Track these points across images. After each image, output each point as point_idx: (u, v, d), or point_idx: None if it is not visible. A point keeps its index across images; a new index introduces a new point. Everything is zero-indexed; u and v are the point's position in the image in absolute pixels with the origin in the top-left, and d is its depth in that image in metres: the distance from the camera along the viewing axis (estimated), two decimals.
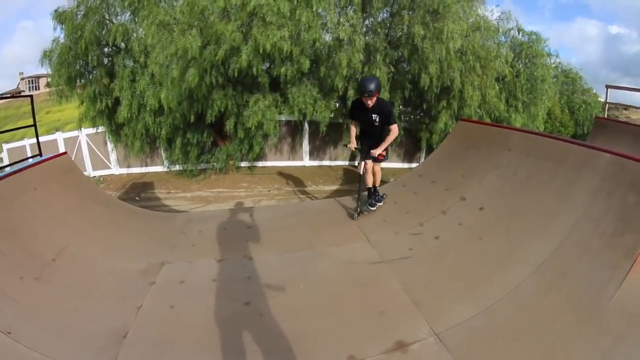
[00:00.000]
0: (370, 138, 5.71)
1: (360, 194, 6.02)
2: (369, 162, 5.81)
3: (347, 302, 3.89)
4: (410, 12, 11.74)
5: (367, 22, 12.68)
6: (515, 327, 3.22)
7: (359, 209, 5.87)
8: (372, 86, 5.26)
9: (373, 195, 6.03)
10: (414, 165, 14.94)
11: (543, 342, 2.99)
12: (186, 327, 3.75)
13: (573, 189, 4.15)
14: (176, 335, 3.66)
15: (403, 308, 3.68)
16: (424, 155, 14.91)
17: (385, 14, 12.83)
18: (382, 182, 11.14)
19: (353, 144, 5.77)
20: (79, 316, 3.94)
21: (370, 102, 5.36)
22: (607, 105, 11.30)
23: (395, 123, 5.57)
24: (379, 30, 12.39)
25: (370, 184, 5.99)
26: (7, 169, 5.87)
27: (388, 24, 12.72)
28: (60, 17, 12.63)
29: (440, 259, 4.35)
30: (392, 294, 3.91)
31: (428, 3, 11.55)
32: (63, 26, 12.68)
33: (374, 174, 5.96)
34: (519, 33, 13.80)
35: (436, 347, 3.22)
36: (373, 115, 5.50)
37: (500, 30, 13.42)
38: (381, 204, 5.99)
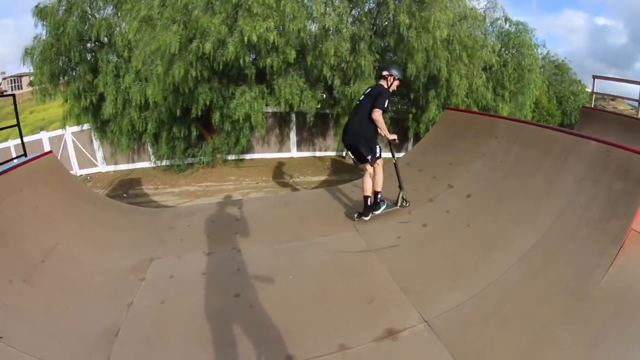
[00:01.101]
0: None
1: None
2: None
3: (336, 291, 3.91)
4: (397, 1, 11.68)
5: (353, 12, 12.64)
6: (504, 312, 3.25)
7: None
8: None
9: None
10: (401, 154, 14.95)
11: (532, 326, 3.02)
12: (177, 322, 3.76)
13: (560, 176, 4.21)
14: (168, 330, 3.67)
15: (392, 296, 3.71)
16: (411, 145, 14.92)
17: (371, 4, 12.82)
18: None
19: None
20: (70, 317, 3.93)
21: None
22: (594, 95, 11.40)
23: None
24: (364, 19, 12.35)
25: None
26: None
27: (374, 14, 12.70)
28: (41, 13, 12.44)
29: (429, 246, 4.39)
30: (381, 282, 3.94)
31: None
32: (44, 22, 12.50)
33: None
34: (506, 23, 13.74)
35: (426, 334, 3.25)
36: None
37: (487, 20, 13.39)
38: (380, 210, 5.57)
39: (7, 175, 5.43)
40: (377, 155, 5.46)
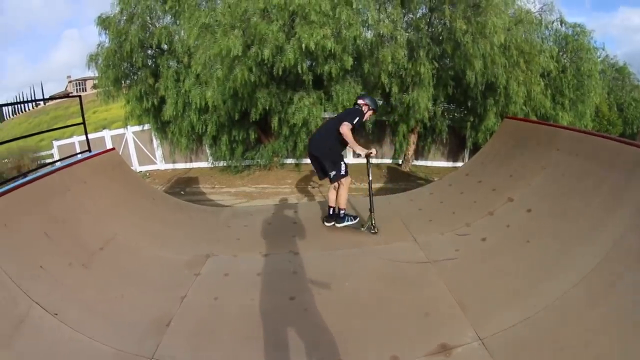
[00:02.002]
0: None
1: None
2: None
3: (392, 302, 3.83)
4: (451, 7, 11.45)
5: (406, 18, 12.48)
6: (561, 336, 3.08)
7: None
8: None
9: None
10: (458, 164, 14.70)
11: (588, 354, 2.86)
12: (229, 319, 3.80)
13: (623, 194, 3.94)
14: (219, 326, 3.70)
15: (448, 310, 3.60)
16: (467, 153, 14.63)
17: (424, 9, 12.59)
18: (428, 181, 10.89)
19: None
20: (123, 303, 4.05)
21: None
22: None
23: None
24: (420, 25, 12.14)
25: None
26: (58, 164, 6.11)
27: (428, 19, 12.49)
28: (104, 22, 13.20)
29: (487, 261, 4.22)
30: (438, 296, 3.81)
31: None
32: (107, 31, 13.20)
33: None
34: (561, 25, 13.23)
35: (480, 352, 3.13)
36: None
37: (543, 23, 12.89)
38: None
39: (72, 168, 5.70)
40: (342, 173, 5.40)
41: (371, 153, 5.43)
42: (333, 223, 5.63)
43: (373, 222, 5.43)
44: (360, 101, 5.60)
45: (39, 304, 3.67)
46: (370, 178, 5.62)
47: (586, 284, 3.36)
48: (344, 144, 5.30)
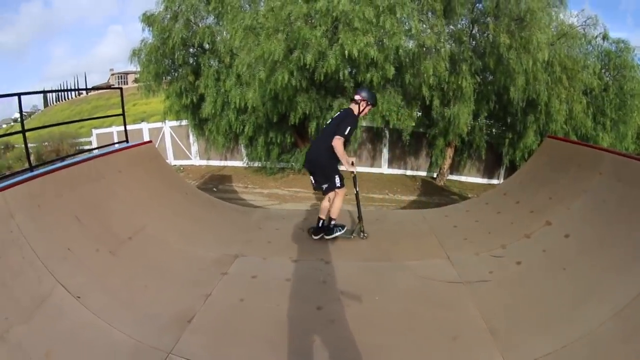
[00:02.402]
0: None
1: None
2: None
3: (421, 321, 3.73)
4: (494, 20, 11.30)
5: (448, 29, 12.28)
6: None
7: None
8: None
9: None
10: (493, 181, 14.51)
11: None
12: (253, 322, 3.77)
13: None
14: (242, 328, 3.68)
15: (478, 335, 3.47)
16: (503, 171, 14.38)
17: (466, 21, 12.44)
18: (462, 197, 10.66)
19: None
20: (147, 294, 4.11)
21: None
22: None
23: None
24: (463, 38, 12.00)
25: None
26: (95, 152, 6.27)
27: (469, 32, 12.34)
28: (148, 19, 13.52)
29: (521, 286, 4.08)
30: (469, 319, 3.69)
31: (512, 10, 11.02)
32: (151, 28, 13.50)
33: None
34: (604, 40, 12.66)
35: None
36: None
37: (586, 38, 12.41)
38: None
39: (109, 157, 5.86)
40: (337, 185, 5.36)
41: (353, 173, 5.44)
42: (321, 235, 5.53)
43: (362, 228, 5.56)
44: (357, 96, 5.43)
45: (62, 285, 3.77)
46: (357, 190, 5.70)
47: (623, 317, 3.22)
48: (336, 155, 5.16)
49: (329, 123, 5.48)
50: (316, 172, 5.41)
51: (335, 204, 5.44)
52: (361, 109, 5.40)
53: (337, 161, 5.22)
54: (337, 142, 5.00)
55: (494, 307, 3.81)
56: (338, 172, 5.38)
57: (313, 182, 5.51)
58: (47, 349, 3.20)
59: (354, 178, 5.54)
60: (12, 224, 3.92)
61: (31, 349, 3.17)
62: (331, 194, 5.47)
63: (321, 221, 5.54)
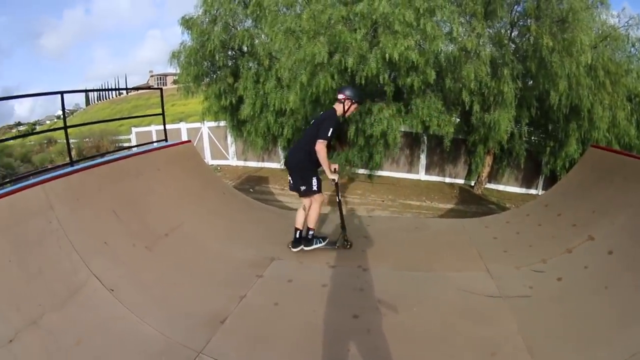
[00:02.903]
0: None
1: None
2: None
3: (459, 335, 3.63)
4: (536, 22, 10.91)
5: (488, 32, 11.86)
6: None
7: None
8: None
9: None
10: (531, 191, 14.08)
11: None
12: (287, 327, 3.76)
13: None
14: (276, 333, 3.69)
15: (515, 352, 3.35)
16: (542, 181, 13.90)
17: (504, 24, 12.11)
18: (500, 207, 10.36)
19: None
20: (180, 292, 4.20)
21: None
22: None
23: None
24: (504, 41, 11.71)
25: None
26: (134, 149, 6.44)
27: (509, 34, 12.03)
28: (187, 23, 13.81)
29: (561, 303, 3.94)
30: (507, 335, 3.59)
31: (554, 10, 10.65)
32: (190, 31, 13.77)
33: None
34: None
35: None
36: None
37: (630, 40, 11.42)
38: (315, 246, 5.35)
39: (148, 154, 6.05)
40: (313, 188, 5.13)
41: (334, 181, 5.19)
42: (301, 247, 5.35)
43: (346, 237, 5.43)
44: (340, 95, 5.22)
45: (97, 277, 3.91)
46: (340, 198, 5.50)
47: None
48: (317, 158, 4.92)
49: (312, 124, 5.27)
50: (294, 174, 5.23)
51: (312, 213, 5.23)
52: (346, 108, 5.19)
53: (318, 165, 5.04)
54: (320, 147, 4.80)
55: (533, 324, 3.69)
56: (317, 176, 5.16)
57: (290, 182, 5.31)
58: (78, 338, 3.31)
59: (337, 185, 5.31)
60: (52, 215, 4.08)
61: (62, 336, 3.28)
62: (307, 202, 5.28)
63: (298, 232, 5.34)
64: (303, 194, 5.23)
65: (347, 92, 5.19)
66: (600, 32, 11.25)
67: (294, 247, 5.35)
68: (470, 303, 4.14)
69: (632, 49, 11.71)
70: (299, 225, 5.30)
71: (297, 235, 5.33)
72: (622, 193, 5.05)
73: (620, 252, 4.29)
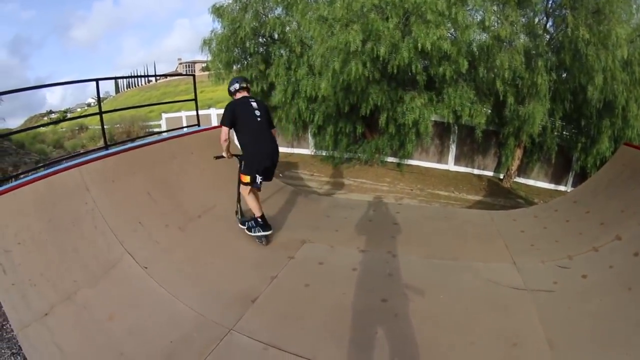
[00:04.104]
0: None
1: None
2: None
3: (483, 324, 3.74)
4: (574, 12, 10.59)
5: (522, 21, 11.55)
6: None
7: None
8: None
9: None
10: (560, 187, 13.78)
11: None
12: (317, 308, 3.93)
13: None
14: (306, 313, 3.84)
15: (536, 345, 3.43)
16: (572, 177, 13.60)
17: (542, 14, 11.81)
18: (528, 201, 10.23)
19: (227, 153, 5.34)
20: (213, 270, 4.36)
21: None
22: None
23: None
24: (538, 31, 11.44)
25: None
26: (165, 134, 6.63)
27: (544, 25, 11.77)
28: (217, 11, 13.91)
29: (584, 301, 3.96)
30: (529, 328, 3.66)
31: (590, 1, 10.36)
32: (220, 19, 13.90)
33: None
34: None
35: None
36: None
37: None
38: (249, 233, 5.28)
39: (182, 138, 6.26)
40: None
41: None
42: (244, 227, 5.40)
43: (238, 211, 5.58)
44: (246, 84, 5.47)
45: (131, 255, 4.11)
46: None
47: None
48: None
49: (257, 113, 5.18)
50: (274, 165, 5.38)
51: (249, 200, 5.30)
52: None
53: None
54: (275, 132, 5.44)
55: (555, 319, 3.75)
56: (245, 160, 5.27)
57: (261, 178, 5.18)
58: (111, 312, 3.50)
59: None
60: (88, 197, 4.29)
61: (96, 310, 3.48)
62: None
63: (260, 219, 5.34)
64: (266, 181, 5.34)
65: (230, 86, 5.48)
66: (637, 25, 10.88)
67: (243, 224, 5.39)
68: (495, 293, 4.22)
69: None
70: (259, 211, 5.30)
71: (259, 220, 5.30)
72: None
73: None
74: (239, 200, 5.55)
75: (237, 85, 5.32)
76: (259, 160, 5.11)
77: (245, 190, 5.21)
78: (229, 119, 5.03)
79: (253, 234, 5.23)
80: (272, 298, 4.05)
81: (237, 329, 3.55)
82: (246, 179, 5.09)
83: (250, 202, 5.23)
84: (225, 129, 5.04)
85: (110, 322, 3.48)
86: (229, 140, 5.15)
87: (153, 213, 4.93)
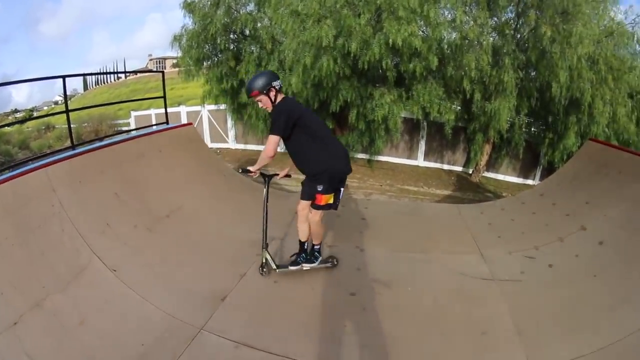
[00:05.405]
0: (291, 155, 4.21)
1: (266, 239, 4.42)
2: (302, 203, 4.23)
3: (451, 314, 3.78)
4: (538, 12, 11.05)
5: (491, 21, 12.00)
6: None
7: (266, 262, 4.38)
8: (248, 85, 3.98)
9: (301, 253, 4.45)
10: (529, 181, 14.23)
11: None
12: (286, 304, 3.89)
13: None
14: (275, 309, 3.81)
15: (505, 333, 3.50)
16: (540, 172, 14.05)
17: (510, 14, 12.18)
18: (497, 195, 10.36)
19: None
20: (182, 270, 4.25)
21: (262, 105, 4.04)
22: None
23: (271, 133, 3.88)
24: (506, 31, 11.74)
25: (301, 236, 4.41)
26: (134, 132, 6.47)
27: (514, 25, 12.07)
28: (189, 6, 13.84)
29: (551, 289, 4.04)
30: (497, 316, 3.73)
31: (557, 2, 10.73)
32: (192, 15, 13.78)
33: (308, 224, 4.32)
34: None
35: None
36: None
37: (635, 37, 11.47)
38: (313, 265, 4.40)
39: (150, 137, 6.05)
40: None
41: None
42: (300, 267, 4.41)
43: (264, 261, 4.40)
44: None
45: (100, 258, 3.95)
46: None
47: None
48: None
49: (318, 119, 4.30)
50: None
51: (315, 225, 4.35)
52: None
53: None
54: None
55: (523, 308, 3.82)
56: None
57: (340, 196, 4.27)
58: (81, 318, 3.36)
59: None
60: (54, 198, 4.10)
61: (66, 316, 3.33)
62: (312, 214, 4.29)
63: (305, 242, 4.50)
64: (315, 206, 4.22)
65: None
66: (606, 27, 11.28)
67: (293, 264, 4.41)
68: (463, 285, 4.25)
69: (638, 47, 11.76)
70: (304, 235, 4.43)
71: (304, 246, 4.49)
72: (617, 186, 5.14)
73: (610, 243, 4.41)
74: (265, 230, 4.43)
75: (279, 83, 4.02)
76: (339, 171, 4.12)
77: (319, 215, 4.22)
78: (288, 127, 3.89)
79: (317, 265, 4.42)
80: (242, 296, 4.00)
81: (207, 329, 3.50)
82: (329, 199, 4.10)
83: (321, 229, 4.37)
84: (277, 140, 3.87)
85: (81, 328, 3.34)
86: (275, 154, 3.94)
87: (121, 214, 4.77)
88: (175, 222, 5.11)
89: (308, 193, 4.08)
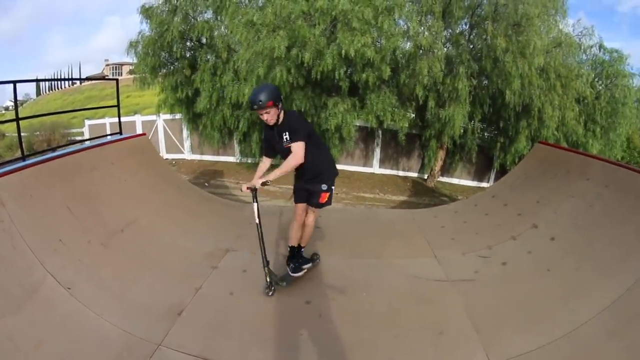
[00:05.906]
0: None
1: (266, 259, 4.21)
2: (300, 207, 4.33)
3: (407, 317, 3.83)
4: (494, 24, 11.47)
5: (445, 32, 12.49)
6: None
7: (271, 281, 4.21)
8: (260, 96, 3.79)
9: (296, 258, 4.43)
10: (483, 184, 14.69)
11: None
12: (242, 316, 3.84)
13: None
14: (231, 322, 3.75)
15: (462, 332, 3.57)
16: (494, 175, 14.60)
17: (464, 26, 12.69)
18: (452, 199, 10.62)
19: (255, 182, 4.09)
20: (137, 286, 4.15)
21: (267, 117, 3.90)
22: None
23: (296, 140, 3.92)
24: (461, 41, 12.19)
25: (294, 242, 4.41)
26: (87, 143, 6.25)
27: (468, 35, 12.53)
28: (147, 12, 13.51)
29: (506, 286, 4.17)
30: (454, 316, 3.80)
31: (510, 15, 11.27)
32: (149, 20, 13.49)
33: (303, 227, 4.43)
34: (600, 50, 13.01)
35: None
36: (280, 135, 4.02)
37: (582, 47, 12.78)
38: (309, 266, 4.47)
39: (102, 148, 5.86)
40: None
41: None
42: (302, 272, 4.41)
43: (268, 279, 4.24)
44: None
45: (53, 276, 3.78)
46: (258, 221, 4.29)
47: (605, 317, 3.32)
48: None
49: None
50: None
51: (309, 227, 4.50)
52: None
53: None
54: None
55: (479, 306, 3.90)
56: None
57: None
58: (38, 340, 3.21)
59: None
60: (3, 213, 3.90)
61: (21, 339, 3.17)
62: (309, 216, 4.47)
63: (296, 247, 4.50)
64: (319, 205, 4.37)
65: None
66: (555, 38, 12.00)
67: (294, 271, 4.34)
68: (418, 288, 4.30)
69: (584, 56, 12.90)
70: (295, 240, 4.46)
71: (297, 250, 4.51)
72: (565, 184, 5.35)
73: (561, 238, 4.57)
74: (262, 246, 4.24)
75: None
76: (336, 172, 4.49)
77: (316, 215, 4.48)
78: (309, 132, 4.08)
79: (311, 264, 4.56)
80: (198, 309, 3.94)
81: (165, 344, 3.43)
82: (328, 197, 4.31)
83: (311, 231, 4.52)
84: (304, 145, 3.93)
85: (38, 351, 3.18)
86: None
87: (74, 229, 4.57)
88: (129, 237, 4.97)
89: (309, 193, 4.31)
